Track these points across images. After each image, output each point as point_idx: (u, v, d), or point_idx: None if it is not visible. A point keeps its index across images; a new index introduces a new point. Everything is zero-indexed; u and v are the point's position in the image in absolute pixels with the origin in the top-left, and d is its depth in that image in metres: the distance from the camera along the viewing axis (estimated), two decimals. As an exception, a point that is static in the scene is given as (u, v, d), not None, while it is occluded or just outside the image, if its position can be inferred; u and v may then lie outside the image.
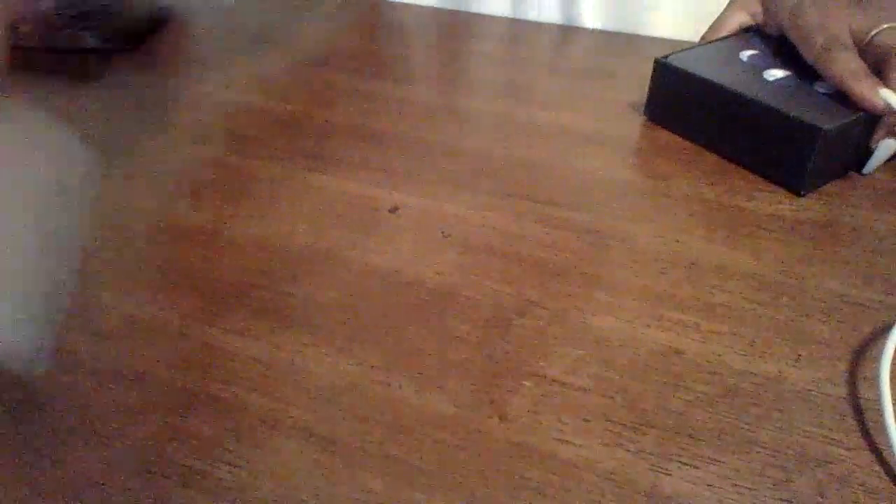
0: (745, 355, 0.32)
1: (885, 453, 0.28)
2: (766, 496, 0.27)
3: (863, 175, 0.43)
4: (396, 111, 0.51)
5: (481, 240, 0.39)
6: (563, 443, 0.29)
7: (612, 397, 0.30)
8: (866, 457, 0.28)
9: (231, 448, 0.29)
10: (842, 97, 0.41)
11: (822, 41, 0.42)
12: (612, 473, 0.28)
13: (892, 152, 0.43)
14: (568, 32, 0.65)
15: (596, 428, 0.29)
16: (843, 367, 0.32)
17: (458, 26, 0.66)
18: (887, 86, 0.40)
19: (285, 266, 0.37)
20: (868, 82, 0.40)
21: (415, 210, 0.41)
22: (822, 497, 0.27)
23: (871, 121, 0.41)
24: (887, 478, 0.27)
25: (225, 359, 0.32)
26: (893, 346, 0.31)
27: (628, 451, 0.28)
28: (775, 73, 0.45)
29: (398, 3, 0.69)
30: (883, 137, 0.42)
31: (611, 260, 0.37)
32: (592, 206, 0.41)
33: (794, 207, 0.41)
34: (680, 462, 0.28)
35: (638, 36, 0.63)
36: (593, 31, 0.64)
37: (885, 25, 0.42)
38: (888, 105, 0.40)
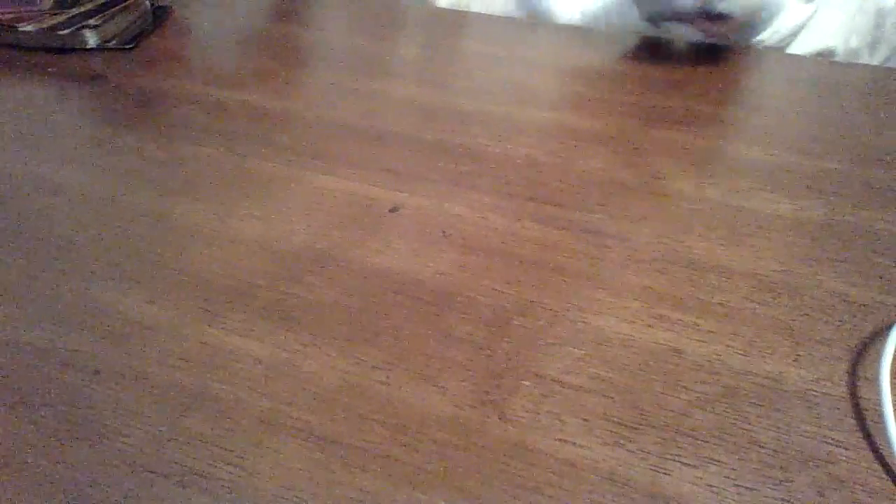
0: (744, 355, 0.32)
1: (885, 453, 0.28)
2: (766, 496, 0.27)
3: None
4: (397, 111, 0.51)
5: (481, 240, 0.39)
6: (563, 443, 0.29)
7: (611, 397, 0.30)
8: (866, 457, 0.28)
9: (231, 448, 0.29)
10: None
11: None
12: (612, 473, 0.28)
13: None
14: (565, 32, 0.65)
15: (596, 428, 0.29)
16: (843, 367, 0.32)
17: (459, 25, 0.66)
18: None
19: (285, 266, 0.37)
20: None
21: (415, 210, 0.41)
22: (822, 497, 0.27)
23: None
24: (887, 478, 0.27)
25: (225, 359, 0.32)
26: (893, 346, 0.31)
27: (628, 451, 0.28)
28: None
29: (398, 1, 0.69)
30: None
31: (611, 260, 0.37)
32: (592, 206, 0.41)
33: (794, 207, 0.41)
34: (680, 462, 0.28)
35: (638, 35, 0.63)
36: (593, 29, 0.64)
37: None
38: None
